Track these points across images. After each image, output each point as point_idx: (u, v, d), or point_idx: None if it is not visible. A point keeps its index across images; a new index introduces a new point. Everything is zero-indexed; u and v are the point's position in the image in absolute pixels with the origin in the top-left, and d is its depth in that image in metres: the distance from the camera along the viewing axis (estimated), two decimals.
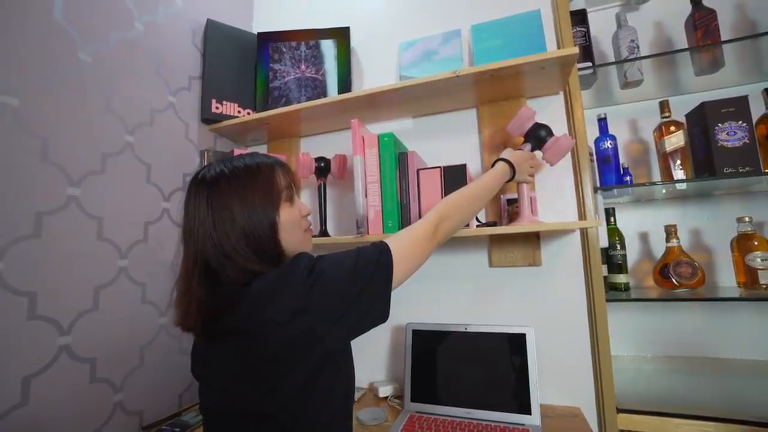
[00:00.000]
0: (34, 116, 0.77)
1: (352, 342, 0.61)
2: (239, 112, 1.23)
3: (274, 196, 0.60)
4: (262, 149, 1.39)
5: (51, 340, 0.76)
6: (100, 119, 0.90)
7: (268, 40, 1.28)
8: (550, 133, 0.88)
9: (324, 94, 1.22)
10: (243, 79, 1.26)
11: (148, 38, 1.04)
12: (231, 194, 0.57)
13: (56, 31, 0.82)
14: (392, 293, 0.59)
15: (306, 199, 1.31)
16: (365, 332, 0.58)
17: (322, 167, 1.14)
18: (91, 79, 0.89)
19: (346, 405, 0.61)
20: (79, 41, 0.86)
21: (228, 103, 1.22)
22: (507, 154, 0.86)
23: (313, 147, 1.31)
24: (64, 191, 0.81)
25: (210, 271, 0.56)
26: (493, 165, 0.84)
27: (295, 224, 0.63)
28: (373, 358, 1.16)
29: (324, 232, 1.15)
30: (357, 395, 1.06)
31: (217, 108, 1.19)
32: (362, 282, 0.55)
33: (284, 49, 1.27)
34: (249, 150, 1.38)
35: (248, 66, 1.28)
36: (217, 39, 1.23)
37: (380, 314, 0.58)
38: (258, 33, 1.28)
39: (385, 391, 1.04)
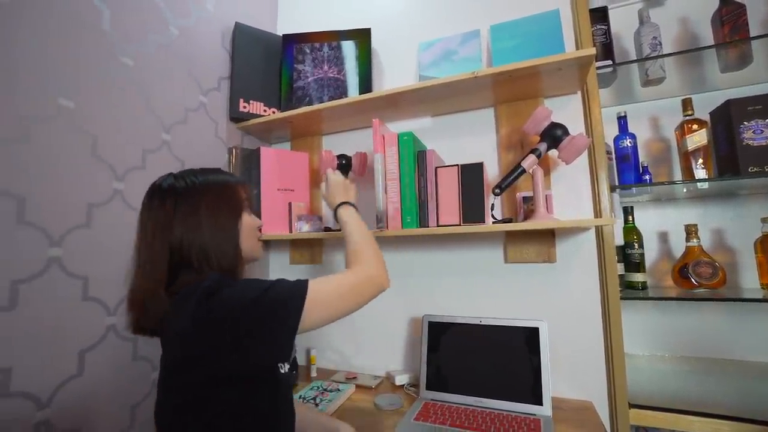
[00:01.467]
0: (85, 117, 0.84)
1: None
2: (265, 111, 1.30)
3: (237, 205, 0.68)
4: (286, 146, 1.45)
5: (99, 320, 0.84)
6: (141, 119, 0.98)
7: (293, 41, 1.33)
8: (565, 132, 0.90)
9: (345, 93, 1.27)
10: (268, 79, 1.32)
11: (182, 42, 1.11)
12: (199, 205, 0.62)
13: (104, 39, 0.89)
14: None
15: None
16: (256, 372, 0.57)
17: (344, 164, 1.19)
18: (133, 82, 0.96)
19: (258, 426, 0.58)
20: (122, 47, 0.94)
21: (254, 103, 1.28)
22: (337, 200, 0.86)
23: (335, 145, 1.36)
24: (110, 185, 0.89)
25: (171, 271, 0.60)
26: (336, 215, 0.85)
27: (252, 232, 0.70)
28: (391, 348, 1.21)
29: None
30: (374, 383, 1.11)
31: (244, 107, 1.26)
32: (261, 313, 0.54)
33: (308, 50, 1.32)
34: (273, 147, 1.44)
35: (273, 67, 1.34)
36: (245, 41, 1.29)
37: (278, 354, 0.57)
38: (283, 35, 1.34)
39: (401, 379, 1.09)
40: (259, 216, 1.14)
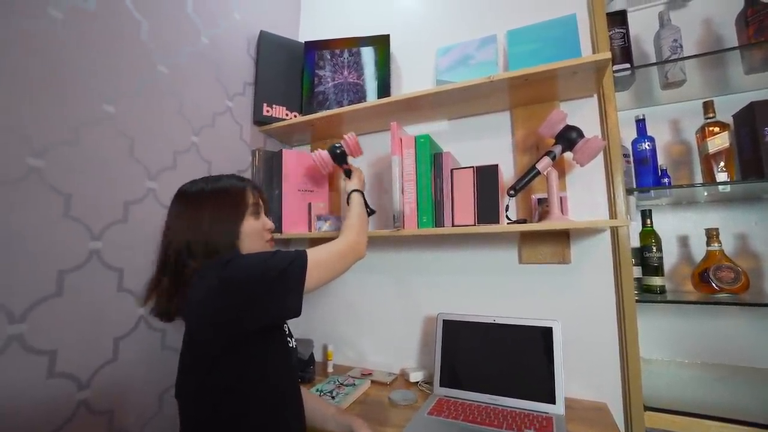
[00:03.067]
0: (124, 121, 0.91)
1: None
2: (287, 114, 1.35)
3: (240, 210, 0.74)
4: (306, 149, 1.50)
5: (132, 309, 0.90)
6: (173, 122, 1.04)
7: (314, 48, 1.38)
8: (580, 134, 0.91)
9: (364, 98, 1.31)
10: (291, 84, 1.37)
11: (211, 50, 1.18)
12: (203, 207, 0.72)
13: (142, 49, 0.96)
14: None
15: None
16: (277, 322, 0.70)
17: (339, 153, 1.08)
18: (167, 88, 1.03)
19: (270, 392, 0.69)
20: (158, 56, 1.00)
21: (277, 107, 1.34)
22: (351, 185, 1.02)
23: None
24: (144, 184, 0.95)
25: (180, 263, 0.68)
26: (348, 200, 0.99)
27: (257, 235, 0.77)
28: (406, 346, 1.24)
29: None
30: (389, 379, 1.14)
31: (267, 111, 1.32)
32: (274, 272, 0.64)
33: (328, 56, 1.37)
34: (294, 150, 1.49)
35: (296, 72, 1.39)
36: (269, 48, 1.35)
37: (292, 305, 0.65)
38: (305, 42, 1.39)
39: (415, 376, 1.12)
40: (278, 217, 1.20)
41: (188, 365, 0.67)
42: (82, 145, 0.82)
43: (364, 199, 1.00)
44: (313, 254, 0.71)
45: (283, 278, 0.64)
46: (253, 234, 0.76)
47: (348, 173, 1.07)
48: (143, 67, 0.96)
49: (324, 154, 1.07)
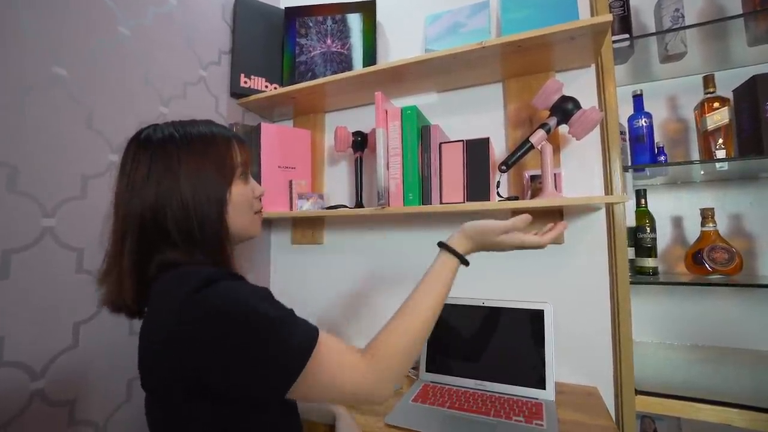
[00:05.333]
0: (80, 87, 0.82)
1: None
2: (267, 86, 1.26)
3: (227, 171, 0.56)
4: (288, 124, 1.42)
5: (94, 293, 0.83)
6: (139, 91, 0.95)
7: (295, 14, 1.29)
8: (577, 106, 0.86)
9: (350, 68, 1.22)
10: (271, 53, 1.28)
11: (182, 13, 1.08)
12: (178, 160, 0.52)
13: (100, 7, 0.87)
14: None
15: (343, 172, 1.33)
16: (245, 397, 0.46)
17: (359, 141, 1.15)
18: (131, 53, 0.93)
19: None
20: (119, 16, 0.91)
21: (256, 78, 1.25)
22: (455, 239, 0.65)
23: (339, 122, 1.32)
24: (106, 157, 0.87)
25: (144, 241, 0.51)
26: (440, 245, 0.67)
27: (247, 204, 0.59)
28: None
29: (359, 204, 1.17)
30: None
31: (245, 82, 1.23)
32: (272, 332, 0.44)
33: (311, 24, 1.28)
34: (276, 125, 1.41)
35: (276, 41, 1.30)
36: (246, 14, 1.25)
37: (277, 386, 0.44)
38: (285, 8, 1.30)
39: None
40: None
41: (160, 420, 0.50)
42: (27, 112, 0.73)
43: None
44: (328, 348, 0.47)
45: (277, 331, 0.45)
46: (243, 203, 0.58)
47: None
48: (101, 28, 0.87)
49: (346, 131, 1.12)
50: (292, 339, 0.45)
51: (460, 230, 0.66)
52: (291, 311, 0.49)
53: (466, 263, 0.64)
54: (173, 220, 0.50)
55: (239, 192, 0.57)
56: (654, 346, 1.15)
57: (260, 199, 0.63)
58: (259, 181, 1.13)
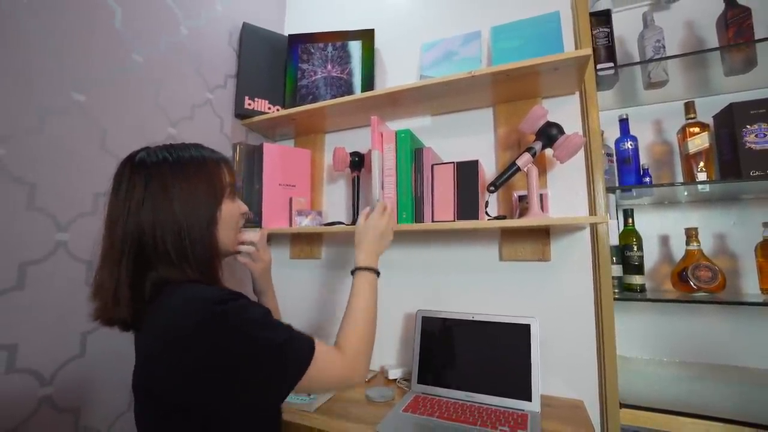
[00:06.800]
0: (96, 111, 0.88)
1: None
2: (269, 108, 1.33)
3: (218, 191, 0.61)
4: (290, 143, 1.48)
5: None
6: (150, 114, 1.02)
7: (298, 41, 1.36)
8: (561, 131, 0.91)
9: (349, 92, 1.29)
10: (274, 77, 1.35)
11: (192, 41, 1.15)
12: (172, 183, 0.56)
13: (116, 38, 0.94)
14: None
15: (341, 190, 1.39)
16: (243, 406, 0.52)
17: (356, 161, 1.21)
18: (143, 78, 1.00)
19: None
20: (134, 45, 0.98)
21: (259, 100, 1.32)
22: (361, 259, 0.80)
23: (338, 142, 1.39)
24: None
25: (140, 259, 0.54)
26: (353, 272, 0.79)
27: (234, 221, 0.65)
28: (385, 343, 1.23)
29: (356, 221, 1.20)
30: (368, 376, 1.12)
31: (249, 104, 1.30)
32: (275, 345, 0.51)
33: (312, 50, 1.35)
34: (277, 144, 1.47)
35: (279, 65, 1.37)
36: (252, 41, 1.33)
37: (277, 394, 0.53)
38: (288, 35, 1.37)
39: (394, 373, 1.10)
40: (258, 212, 1.18)
41: (150, 426, 0.55)
42: (47, 134, 0.79)
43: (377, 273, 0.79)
44: (321, 353, 0.56)
45: (281, 356, 0.51)
46: (231, 220, 0.63)
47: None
48: (117, 56, 0.94)
49: (344, 152, 1.15)
50: (296, 356, 0.54)
51: (358, 251, 0.82)
52: (289, 328, 0.56)
53: (377, 272, 0.80)
54: (169, 240, 0.54)
55: (228, 210, 0.63)
56: (644, 362, 1.17)
57: (244, 217, 0.69)
58: (260, 198, 1.19)
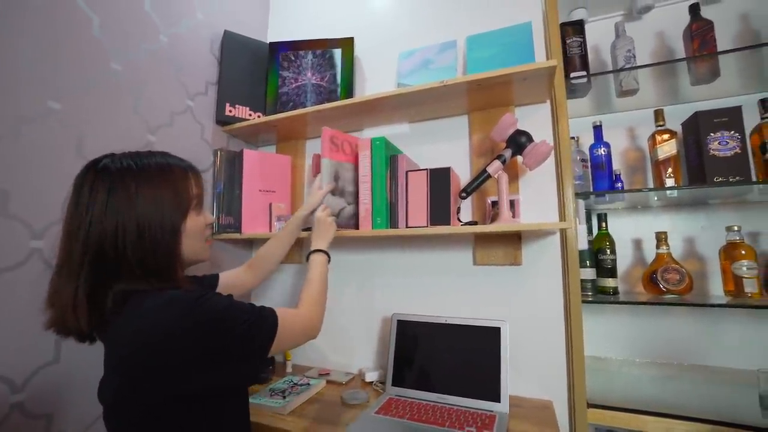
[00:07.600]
0: (72, 118, 0.89)
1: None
2: (250, 115, 1.35)
3: (183, 202, 0.60)
4: (271, 150, 1.49)
5: None
6: (128, 121, 1.03)
7: (279, 49, 1.38)
8: (529, 139, 0.94)
9: (329, 99, 1.31)
10: (255, 84, 1.37)
11: (172, 48, 1.17)
12: (136, 191, 0.54)
13: (94, 46, 0.95)
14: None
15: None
16: (222, 387, 0.59)
17: None
18: (121, 86, 1.01)
19: None
20: (112, 53, 0.99)
21: (240, 107, 1.33)
22: (318, 244, 0.90)
23: (319, 149, 1.40)
24: None
25: (100, 268, 0.53)
26: (307, 258, 0.88)
27: (199, 233, 0.64)
28: (363, 346, 1.24)
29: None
30: (345, 379, 1.14)
31: (230, 111, 1.31)
32: (245, 326, 0.56)
33: (293, 58, 1.37)
34: (259, 150, 1.49)
35: (260, 73, 1.39)
36: (233, 48, 1.35)
37: (250, 371, 0.63)
38: (270, 42, 1.39)
39: (371, 376, 1.12)
40: (238, 217, 1.19)
41: (119, 410, 0.55)
42: (21, 141, 0.80)
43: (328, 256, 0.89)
44: (284, 318, 0.63)
45: (249, 336, 0.56)
46: (196, 233, 0.63)
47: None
48: (94, 64, 0.95)
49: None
50: (264, 328, 0.59)
51: (316, 237, 0.93)
52: (251, 306, 0.60)
53: (327, 255, 0.89)
54: (131, 248, 0.54)
55: (193, 223, 0.62)
56: (617, 363, 1.20)
57: (210, 228, 0.70)
58: (240, 203, 1.20)
